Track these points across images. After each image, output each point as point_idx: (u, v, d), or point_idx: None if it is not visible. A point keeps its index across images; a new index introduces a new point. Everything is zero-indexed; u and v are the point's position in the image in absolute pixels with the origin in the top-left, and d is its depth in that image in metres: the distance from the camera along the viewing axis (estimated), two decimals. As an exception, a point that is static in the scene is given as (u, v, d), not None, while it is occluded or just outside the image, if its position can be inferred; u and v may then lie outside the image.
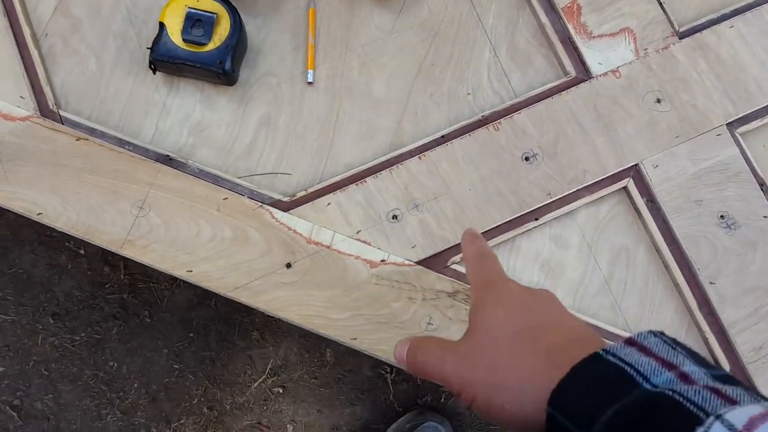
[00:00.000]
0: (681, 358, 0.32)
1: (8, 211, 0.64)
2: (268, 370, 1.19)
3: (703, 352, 0.63)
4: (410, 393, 1.19)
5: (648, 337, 0.33)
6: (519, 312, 0.39)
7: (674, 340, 0.34)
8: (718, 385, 0.29)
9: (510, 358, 0.36)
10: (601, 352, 0.32)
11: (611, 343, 0.34)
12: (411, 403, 1.20)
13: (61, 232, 0.63)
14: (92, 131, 0.66)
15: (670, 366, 0.31)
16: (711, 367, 0.32)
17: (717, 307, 0.63)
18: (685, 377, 0.31)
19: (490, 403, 0.35)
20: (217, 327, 1.20)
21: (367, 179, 0.65)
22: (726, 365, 0.62)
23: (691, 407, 0.28)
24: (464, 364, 0.38)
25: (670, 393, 0.29)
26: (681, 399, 0.28)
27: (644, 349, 0.32)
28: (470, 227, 0.52)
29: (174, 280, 1.20)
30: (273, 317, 1.23)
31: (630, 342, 0.33)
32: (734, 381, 0.31)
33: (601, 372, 0.31)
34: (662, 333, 0.34)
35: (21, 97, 0.66)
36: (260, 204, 0.64)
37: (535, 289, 0.42)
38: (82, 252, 1.18)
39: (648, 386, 0.30)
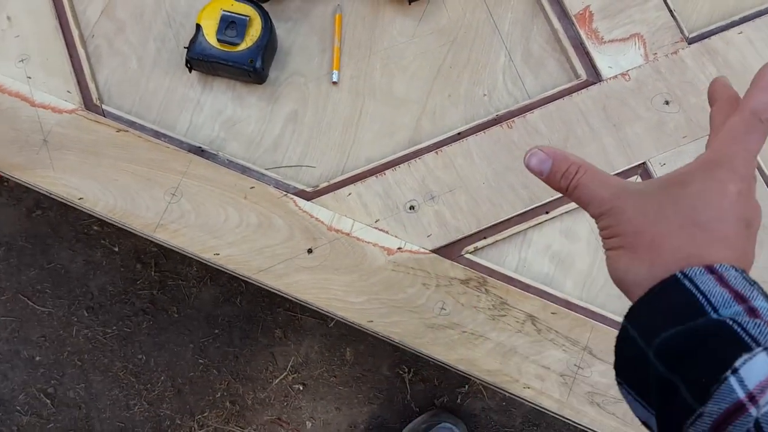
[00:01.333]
0: (755, 293, 0.32)
1: (49, 209, 0.69)
2: (289, 367, 1.23)
3: (708, 345, 0.65)
4: (427, 393, 1.22)
5: (729, 269, 0.33)
6: (707, 213, 0.36)
7: (754, 281, 0.34)
8: None
9: (667, 234, 0.36)
10: (679, 275, 0.33)
11: (694, 267, 0.34)
12: (428, 404, 1.22)
13: (97, 229, 0.68)
14: (132, 124, 0.71)
15: (741, 299, 0.32)
16: None
17: (722, 301, 0.64)
18: (752, 311, 0.31)
19: (622, 247, 0.37)
20: (241, 324, 1.24)
21: (386, 172, 0.68)
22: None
23: (745, 337, 0.30)
24: (630, 209, 0.37)
25: (730, 322, 0.30)
26: (738, 329, 0.30)
27: (722, 280, 0.33)
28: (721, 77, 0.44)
29: (201, 278, 1.25)
30: (295, 316, 1.27)
31: (710, 270, 0.33)
32: None
33: (674, 297, 0.33)
34: (744, 271, 0.34)
35: (68, 91, 0.72)
36: (285, 193, 0.68)
37: (750, 206, 0.37)
38: (116, 249, 1.24)
39: (715, 316, 0.31)
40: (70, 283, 1.25)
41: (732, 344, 0.30)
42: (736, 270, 0.34)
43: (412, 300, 0.65)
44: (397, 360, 1.21)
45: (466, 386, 1.22)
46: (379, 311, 0.65)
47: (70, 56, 0.73)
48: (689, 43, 0.70)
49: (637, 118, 0.68)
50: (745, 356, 0.29)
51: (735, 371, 0.29)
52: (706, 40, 0.71)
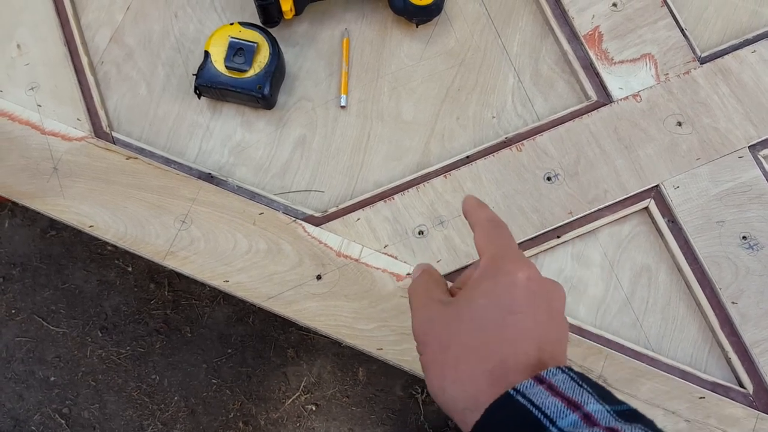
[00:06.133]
0: (586, 396, 0.33)
1: (63, 229, 0.70)
2: (301, 387, 1.22)
3: (725, 371, 0.64)
4: (441, 414, 1.21)
5: (556, 374, 0.35)
6: (501, 311, 0.38)
7: (581, 376, 0.35)
8: (619, 425, 0.32)
9: (465, 350, 0.38)
10: (511, 392, 0.34)
11: (524, 381, 0.34)
12: (442, 425, 1.21)
13: (111, 249, 0.68)
14: (141, 151, 0.71)
15: (575, 406, 0.33)
16: (615, 402, 0.34)
17: (739, 327, 0.63)
18: (588, 418, 0.32)
19: (429, 367, 0.39)
20: (253, 344, 1.24)
21: (394, 196, 0.68)
22: (749, 386, 0.62)
23: None
24: (433, 324, 0.40)
25: None
26: None
27: (552, 388, 0.34)
28: (470, 195, 0.49)
29: (214, 298, 1.25)
30: (308, 335, 1.27)
31: (539, 380, 0.34)
32: (636, 417, 0.33)
33: (510, 416, 0.33)
34: (570, 369, 0.35)
35: (78, 119, 0.72)
36: (294, 219, 0.68)
37: (543, 285, 0.40)
38: (130, 269, 1.24)
39: (554, 430, 0.32)
40: (84, 304, 1.26)
41: None
42: (563, 372, 0.35)
43: (421, 327, 0.64)
44: (410, 380, 1.21)
45: (481, 406, 1.20)
46: (388, 339, 0.64)
47: (80, 83, 0.74)
48: (701, 63, 0.69)
49: (650, 140, 0.67)
50: None
51: None
52: (718, 59, 0.69)
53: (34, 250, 1.25)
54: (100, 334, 1.26)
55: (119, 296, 1.26)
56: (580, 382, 0.34)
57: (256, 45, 0.69)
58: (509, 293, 0.39)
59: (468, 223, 0.46)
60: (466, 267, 0.66)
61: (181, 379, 1.24)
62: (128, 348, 1.25)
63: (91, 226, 0.68)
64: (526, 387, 0.34)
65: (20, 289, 1.27)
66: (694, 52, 0.70)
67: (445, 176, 0.68)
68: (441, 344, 0.39)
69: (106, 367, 1.25)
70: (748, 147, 0.67)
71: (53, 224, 1.22)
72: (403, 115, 0.72)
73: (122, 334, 1.25)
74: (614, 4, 0.71)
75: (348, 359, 1.23)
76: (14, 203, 1.26)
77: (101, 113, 0.73)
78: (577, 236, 0.67)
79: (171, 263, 0.67)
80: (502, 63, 0.73)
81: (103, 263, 1.24)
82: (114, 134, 0.72)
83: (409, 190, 0.68)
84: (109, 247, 1.22)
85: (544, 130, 0.69)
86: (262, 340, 1.24)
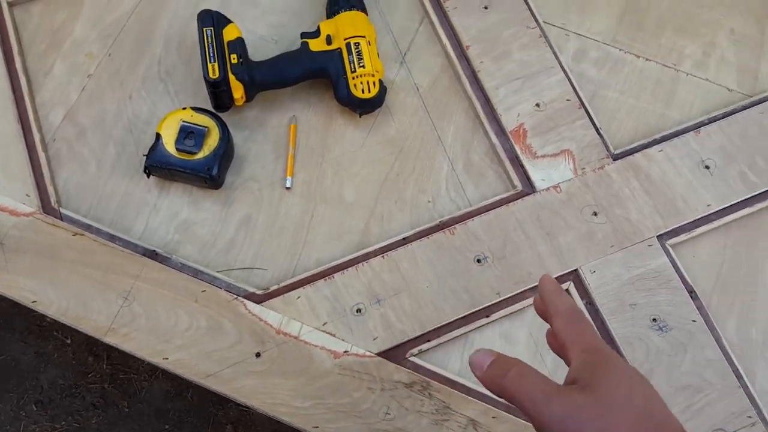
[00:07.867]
0: None
1: (1, 300, 0.70)
2: (240, 463, 1.21)
3: (641, 446, 0.68)
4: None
5: None
6: (641, 397, 0.38)
7: None
8: None
9: None
10: None
11: None
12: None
13: (50, 321, 0.69)
14: (88, 227, 0.73)
15: None
16: None
17: (652, 403, 0.67)
18: None
19: None
20: (191, 419, 1.23)
21: (334, 275, 0.71)
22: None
23: None
24: (577, 415, 0.37)
25: None
26: None
27: None
28: (547, 274, 0.49)
29: (153, 372, 1.24)
30: (246, 411, 1.26)
31: None
32: None
33: None
34: None
35: (27, 195, 0.74)
36: (235, 296, 0.70)
37: (641, 374, 0.41)
38: (69, 341, 1.23)
39: None
40: (20, 376, 1.22)
41: None
42: None
43: (357, 404, 0.67)
44: (350, 455, 1.20)
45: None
46: (324, 416, 0.66)
47: (31, 160, 0.76)
48: (614, 159, 0.77)
49: (569, 228, 0.73)
50: None
51: None
52: (629, 156, 0.77)
53: (-30, 320, 1.22)
54: (35, 409, 1.23)
55: (56, 369, 1.23)
56: None
57: (206, 129, 0.73)
58: (636, 379, 0.39)
59: (545, 304, 0.46)
60: (401, 344, 0.69)
61: (117, 455, 1.21)
62: (63, 423, 1.22)
63: (33, 302, 0.69)
64: None
65: (-48, 361, 1.23)
66: (607, 149, 0.77)
67: (383, 256, 0.72)
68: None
69: (39, 443, 1.21)
70: (657, 236, 0.73)
71: (-9, 294, 1.20)
72: (345, 197, 0.77)
73: (58, 408, 1.22)
74: (537, 105, 0.79)
75: (288, 435, 1.23)
76: (-49, 271, 1.24)
77: (50, 189, 0.75)
78: (505, 315, 0.71)
79: (111, 340, 0.68)
80: (437, 152, 0.79)
81: (42, 335, 1.22)
82: (62, 210, 0.74)
83: (349, 269, 0.72)
84: (48, 319, 1.20)
85: (474, 215, 0.74)
86: (200, 415, 1.22)
